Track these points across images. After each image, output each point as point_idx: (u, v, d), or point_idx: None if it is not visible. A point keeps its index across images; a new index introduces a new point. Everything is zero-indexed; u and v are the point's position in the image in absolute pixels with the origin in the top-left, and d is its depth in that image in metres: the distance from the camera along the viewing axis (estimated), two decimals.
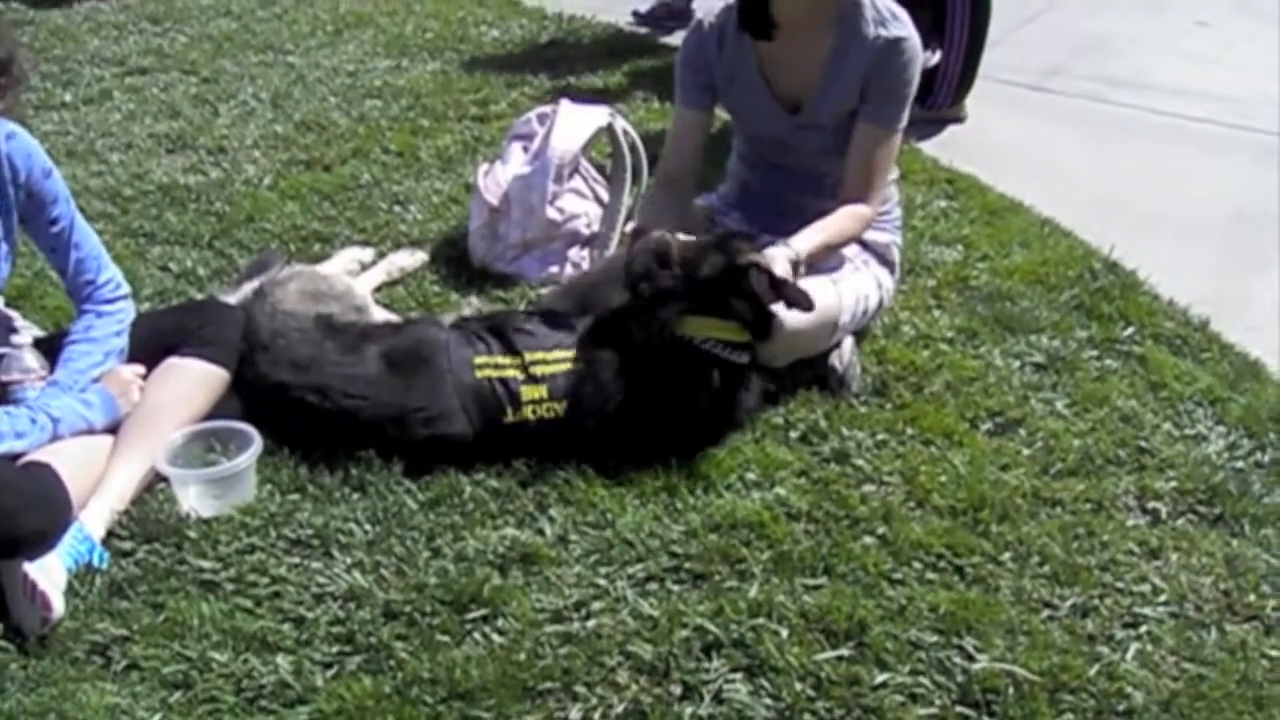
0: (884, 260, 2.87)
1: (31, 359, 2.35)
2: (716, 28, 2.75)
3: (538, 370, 2.43)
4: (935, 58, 4.10)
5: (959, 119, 4.33)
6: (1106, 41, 5.20)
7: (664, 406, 2.42)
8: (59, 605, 2.01)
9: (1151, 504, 2.36)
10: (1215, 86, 4.63)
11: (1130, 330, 2.93)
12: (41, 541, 2.06)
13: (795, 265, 2.50)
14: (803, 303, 2.45)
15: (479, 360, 2.44)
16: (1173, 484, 2.41)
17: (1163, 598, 2.12)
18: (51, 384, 2.32)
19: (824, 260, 2.65)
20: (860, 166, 2.67)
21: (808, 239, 2.57)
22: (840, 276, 2.70)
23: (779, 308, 2.47)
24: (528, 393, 2.40)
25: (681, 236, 2.53)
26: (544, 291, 3.08)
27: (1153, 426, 2.59)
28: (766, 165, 2.90)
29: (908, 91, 2.66)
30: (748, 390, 2.52)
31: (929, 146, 4.05)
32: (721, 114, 2.99)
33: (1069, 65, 4.93)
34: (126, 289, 2.50)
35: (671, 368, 2.44)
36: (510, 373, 2.42)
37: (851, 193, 2.67)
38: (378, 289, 3.07)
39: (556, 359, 2.44)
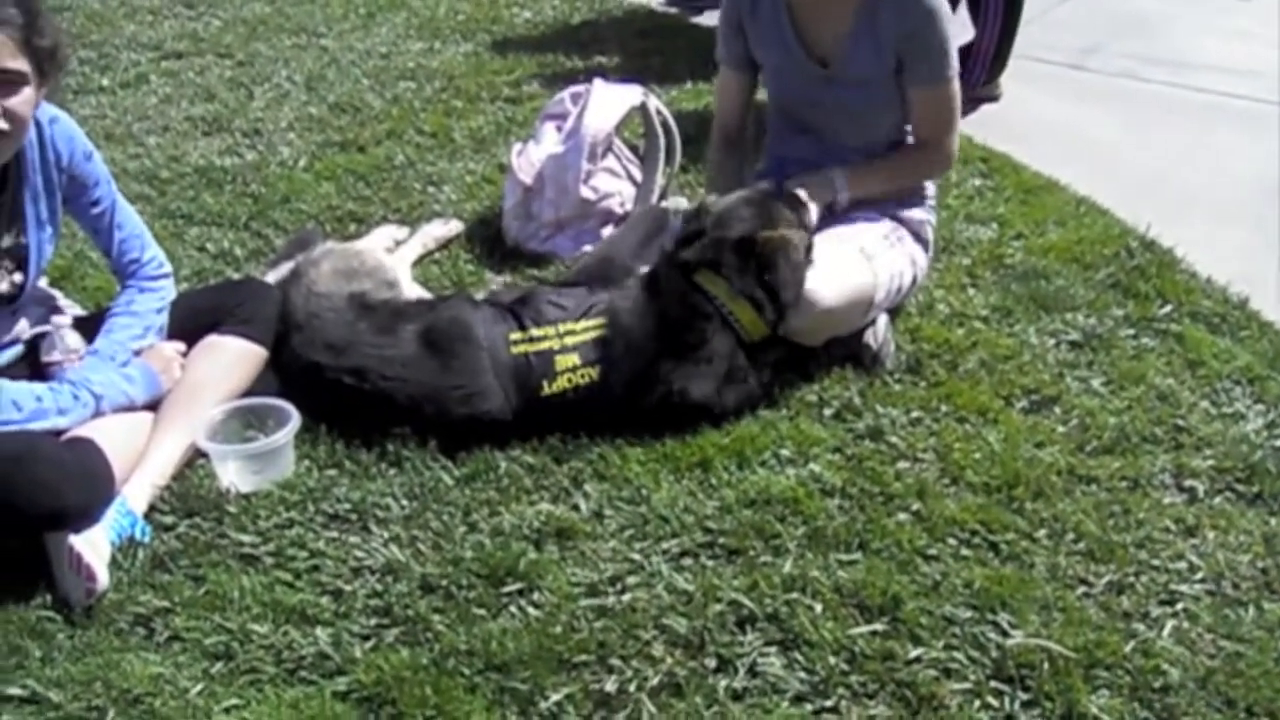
0: (918, 237, 2.86)
1: (73, 339, 2.39)
2: None
3: (570, 340, 2.46)
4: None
5: (994, 97, 4.29)
6: (1143, 19, 5.14)
7: (680, 355, 2.45)
8: (103, 577, 2.04)
9: (1188, 482, 2.35)
10: (1253, 63, 4.57)
11: (1167, 308, 2.91)
12: (86, 515, 2.10)
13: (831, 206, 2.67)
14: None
15: (514, 336, 2.46)
16: (1210, 462, 2.39)
17: (1199, 575, 2.11)
18: (91, 352, 2.36)
19: (878, 188, 2.76)
20: (928, 124, 2.78)
21: (855, 171, 2.73)
22: (874, 252, 2.70)
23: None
24: (562, 362, 2.42)
25: (733, 195, 2.64)
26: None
27: (1190, 404, 2.57)
28: (797, 131, 2.92)
29: (945, 43, 2.70)
30: (745, 375, 2.51)
31: (964, 125, 3.91)
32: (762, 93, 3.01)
33: (1105, 43, 4.88)
34: (169, 268, 2.55)
35: (686, 315, 2.48)
36: (546, 344, 2.44)
37: (925, 141, 2.80)
38: (416, 262, 3.09)
39: (585, 328, 2.47)
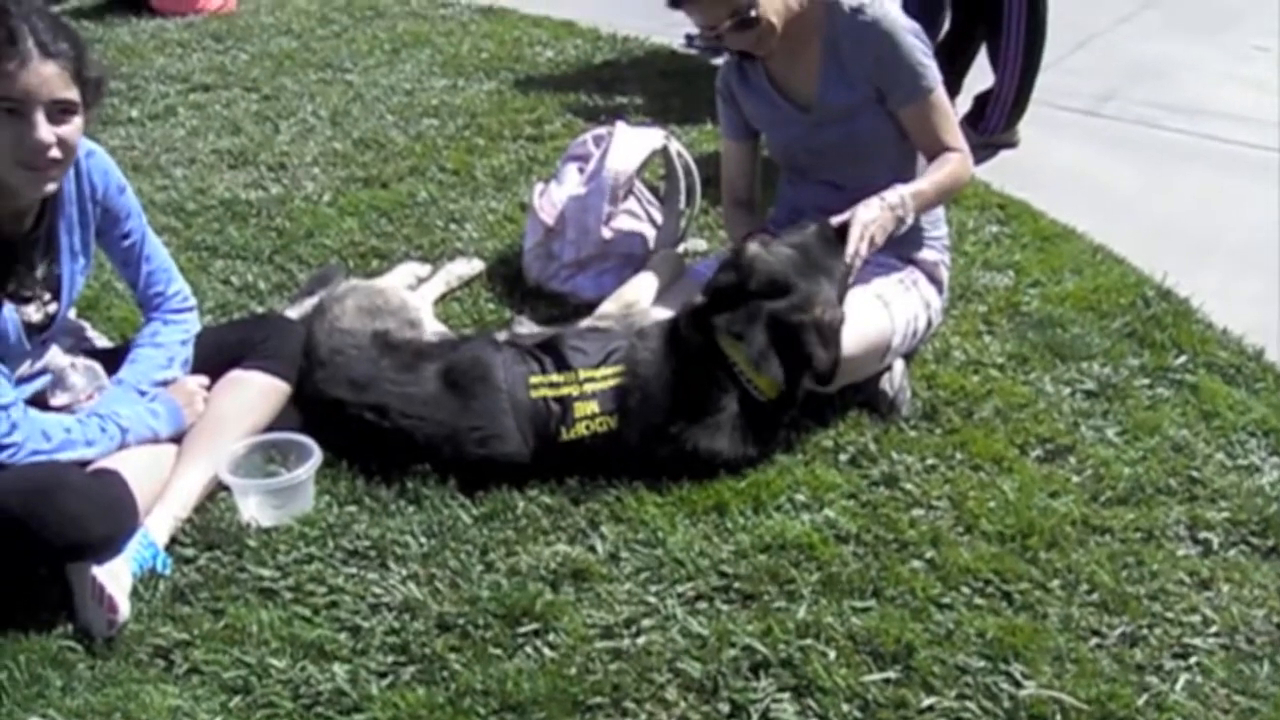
0: (932, 279, 2.89)
1: (79, 380, 2.41)
2: (735, 59, 2.93)
3: (590, 387, 2.47)
4: None
5: (1012, 144, 4.32)
6: (1162, 67, 5.17)
7: (696, 415, 2.45)
8: (125, 608, 2.07)
9: (1203, 534, 2.35)
10: (1271, 113, 4.59)
11: (1183, 359, 2.92)
12: (109, 546, 2.13)
13: (900, 220, 2.64)
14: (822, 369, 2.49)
15: (534, 380, 2.48)
16: (1225, 514, 2.40)
17: (1214, 629, 2.11)
18: (116, 383, 2.40)
19: (934, 203, 2.77)
20: (929, 138, 2.77)
21: (913, 186, 2.68)
22: (891, 298, 2.72)
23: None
24: (581, 409, 2.44)
25: (780, 248, 2.58)
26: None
27: (1205, 456, 2.57)
28: (801, 178, 2.98)
29: (914, 57, 2.70)
30: (761, 434, 2.52)
31: (981, 171, 4.01)
32: None
33: (1123, 90, 4.92)
34: (193, 301, 2.59)
35: (704, 378, 2.48)
36: (565, 390, 2.46)
37: (937, 153, 2.78)
38: (438, 300, 3.13)
39: (605, 375, 2.48)
